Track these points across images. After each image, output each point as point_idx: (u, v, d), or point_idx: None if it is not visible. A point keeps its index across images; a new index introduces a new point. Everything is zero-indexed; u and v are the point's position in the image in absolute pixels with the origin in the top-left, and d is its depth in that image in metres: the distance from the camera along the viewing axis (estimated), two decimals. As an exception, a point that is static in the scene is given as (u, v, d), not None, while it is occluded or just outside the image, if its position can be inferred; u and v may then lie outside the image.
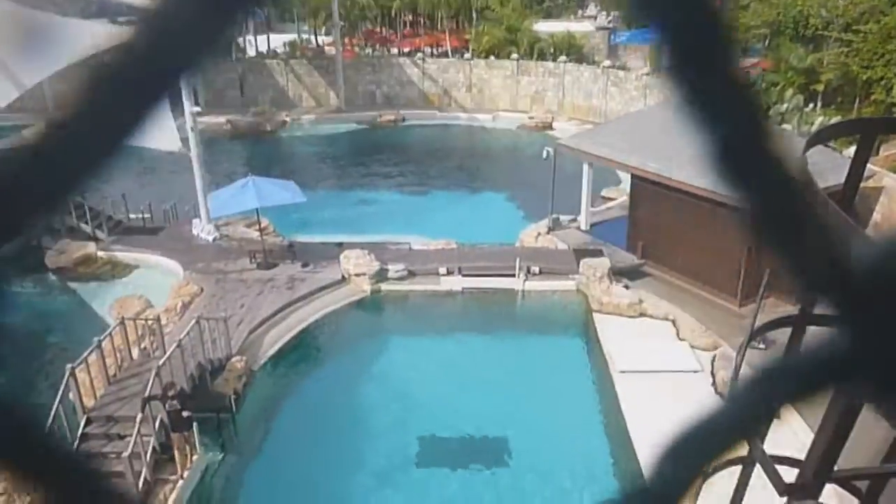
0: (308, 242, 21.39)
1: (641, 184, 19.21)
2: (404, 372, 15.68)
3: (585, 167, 21.69)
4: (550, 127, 38.00)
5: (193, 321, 14.50)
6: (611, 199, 24.86)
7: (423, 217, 24.78)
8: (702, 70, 0.40)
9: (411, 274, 19.26)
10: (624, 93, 37.05)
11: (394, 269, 19.10)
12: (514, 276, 18.89)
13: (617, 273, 18.68)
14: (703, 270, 17.97)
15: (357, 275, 18.86)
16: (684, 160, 16.98)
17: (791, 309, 4.92)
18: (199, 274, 18.69)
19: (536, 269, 19.20)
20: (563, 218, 22.33)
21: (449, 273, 19.21)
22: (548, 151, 21.88)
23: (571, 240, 21.09)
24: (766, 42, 29.65)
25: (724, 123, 0.41)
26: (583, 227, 22.04)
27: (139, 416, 11.60)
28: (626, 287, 18.20)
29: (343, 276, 18.97)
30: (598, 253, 19.49)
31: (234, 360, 14.97)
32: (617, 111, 35.12)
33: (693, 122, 0.41)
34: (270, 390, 15.20)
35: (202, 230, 21.08)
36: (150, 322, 14.73)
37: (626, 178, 22.63)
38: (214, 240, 20.93)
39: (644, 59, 43.08)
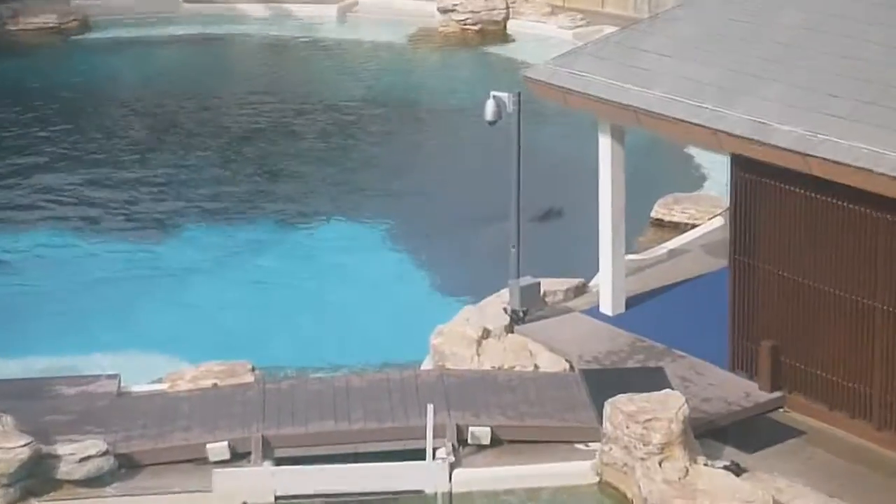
0: None
1: (765, 183, 20.24)
2: None
3: (605, 141, 22.48)
4: (503, 32, 41.25)
5: None
6: (680, 228, 27.25)
7: (154, 296, 26.45)
8: None
9: (126, 464, 19.47)
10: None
11: (72, 452, 19.03)
12: (422, 455, 19.42)
13: (706, 433, 19.52)
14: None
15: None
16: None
17: None
18: None
19: (484, 433, 19.76)
20: (551, 283, 23.46)
21: (237, 455, 19.68)
22: (497, 102, 22.54)
23: (575, 344, 22.24)
24: None
25: None
26: (606, 309, 23.24)
27: None
28: (736, 469, 18.82)
29: None
30: (652, 379, 20.48)
31: None
32: (678, -6, 37.42)
33: None
34: None
35: None
36: None
37: (715, 167, 24.65)
38: None
39: None
